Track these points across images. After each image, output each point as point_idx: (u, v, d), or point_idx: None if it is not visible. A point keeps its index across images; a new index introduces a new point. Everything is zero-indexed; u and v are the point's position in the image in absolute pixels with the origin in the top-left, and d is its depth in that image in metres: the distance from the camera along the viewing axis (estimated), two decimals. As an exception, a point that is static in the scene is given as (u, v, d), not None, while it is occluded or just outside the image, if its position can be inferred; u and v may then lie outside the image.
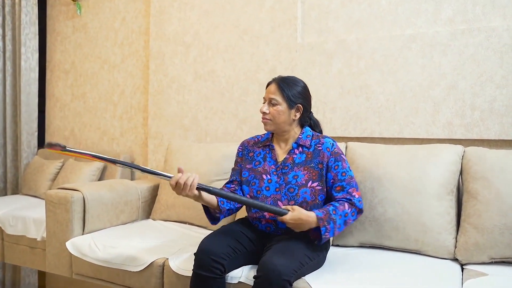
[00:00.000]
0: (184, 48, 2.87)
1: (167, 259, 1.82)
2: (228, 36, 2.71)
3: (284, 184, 1.71)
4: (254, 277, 1.51)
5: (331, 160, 1.71)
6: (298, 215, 1.56)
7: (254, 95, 2.63)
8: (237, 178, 1.84)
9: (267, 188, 1.73)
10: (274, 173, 1.75)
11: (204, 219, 2.25)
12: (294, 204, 1.68)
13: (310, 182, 1.69)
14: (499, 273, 1.62)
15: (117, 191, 2.32)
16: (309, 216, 1.57)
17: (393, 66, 2.26)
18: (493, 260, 1.72)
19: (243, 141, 1.93)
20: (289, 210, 1.57)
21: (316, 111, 2.43)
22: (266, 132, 1.88)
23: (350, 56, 2.36)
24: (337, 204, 1.64)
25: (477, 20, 2.11)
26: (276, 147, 1.82)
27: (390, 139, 2.28)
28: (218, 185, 2.30)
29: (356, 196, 1.67)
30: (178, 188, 1.61)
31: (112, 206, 2.27)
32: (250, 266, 1.70)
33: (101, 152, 3.10)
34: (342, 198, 1.68)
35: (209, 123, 2.79)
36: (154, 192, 2.59)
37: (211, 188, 1.62)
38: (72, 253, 2.02)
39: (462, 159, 1.91)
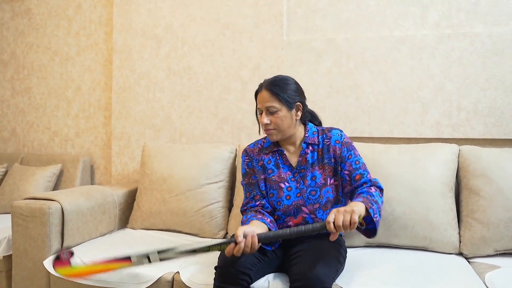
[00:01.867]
0: (155, 42, 2.65)
1: (176, 273, 1.65)
2: (207, 30, 2.56)
3: (305, 188, 1.63)
4: (292, 287, 1.42)
5: (344, 151, 1.65)
6: (337, 210, 1.39)
7: (236, 93, 2.51)
8: (258, 192, 1.69)
9: (288, 197, 1.63)
10: (292, 179, 1.66)
11: (196, 226, 2.11)
12: (319, 206, 1.62)
13: (329, 179, 1.64)
14: (510, 264, 1.70)
15: (95, 199, 2.06)
16: (351, 206, 1.42)
17: (383, 66, 2.29)
18: (497, 252, 1.81)
19: (246, 150, 1.77)
20: (324, 220, 1.47)
21: (304, 111, 2.39)
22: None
23: (339, 55, 2.36)
24: (365, 189, 1.58)
25: (461, 26, 2.22)
26: (285, 151, 1.72)
27: (380, 138, 2.32)
28: (211, 188, 2.17)
29: (371, 178, 1.63)
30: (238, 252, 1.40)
31: (91, 216, 2.01)
32: (273, 274, 1.60)
33: (52, 154, 2.77)
34: (364, 184, 1.62)
35: (185, 123, 2.61)
36: (130, 198, 2.35)
37: (271, 235, 1.44)
38: (52, 273, 1.74)
39: (458, 157, 1.99)
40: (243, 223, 1.61)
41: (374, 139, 2.31)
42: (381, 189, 1.63)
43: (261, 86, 1.65)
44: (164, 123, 2.64)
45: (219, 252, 1.78)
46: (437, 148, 2.00)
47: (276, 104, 1.59)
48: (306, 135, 1.70)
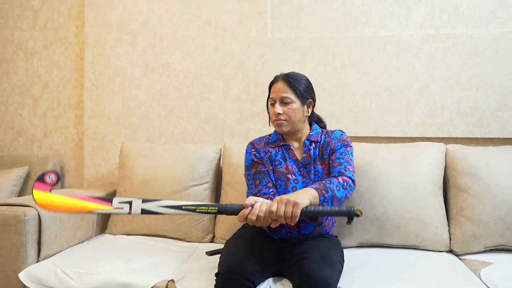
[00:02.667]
0: (131, 37, 2.51)
1: (170, 281, 1.54)
2: (187, 26, 2.46)
3: (310, 182, 1.63)
4: None
5: (338, 145, 1.67)
6: (280, 198, 1.33)
7: (219, 91, 2.43)
8: (270, 180, 1.63)
9: (294, 189, 1.62)
10: (298, 173, 1.66)
11: (182, 231, 2.02)
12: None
13: (327, 175, 1.65)
14: (500, 260, 1.74)
15: (72, 203, 1.91)
16: (298, 193, 1.37)
17: (369, 66, 2.29)
18: (487, 249, 1.85)
19: (252, 143, 1.75)
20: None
21: (289, 110, 2.35)
22: (273, 132, 1.76)
23: (325, 54, 2.33)
24: (331, 177, 1.54)
25: (444, 27, 2.26)
26: (291, 146, 1.71)
27: (366, 138, 2.31)
28: (197, 190, 2.08)
29: (350, 169, 1.59)
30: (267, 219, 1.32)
31: (69, 223, 1.86)
32: (272, 278, 1.54)
33: (16, 156, 2.57)
34: (333, 175, 1.58)
35: (163, 122, 2.49)
36: (108, 202, 2.21)
37: (320, 209, 1.33)
38: (29, 287, 1.59)
39: (445, 156, 2.02)
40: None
41: (361, 138, 2.31)
42: (352, 180, 1.56)
43: (277, 78, 1.68)
44: (142, 122, 2.51)
45: (216, 258, 1.71)
46: (425, 147, 2.02)
47: (291, 96, 1.62)
48: (311, 133, 1.72)
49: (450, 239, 1.89)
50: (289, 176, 1.63)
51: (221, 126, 2.43)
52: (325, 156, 1.67)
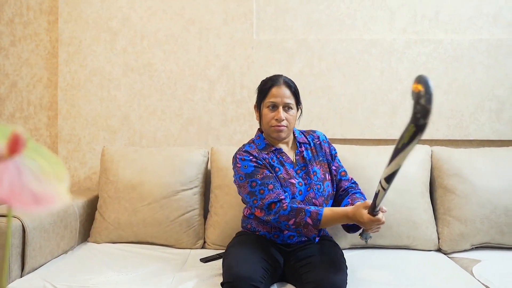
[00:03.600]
0: (109, 35, 2.40)
1: (170, 292, 1.48)
2: (170, 25, 2.38)
3: (313, 182, 1.63)
4: None
5: (332, 149, 1.75)
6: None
7: (203, 93, 2.37)
8: (280, 183, 1.59)
9: (300, 192, 1.60)
10: (297, 175, 1.64)
11: (172, 237, 1.96)
12: (324, 199, 1.63)
13: (327, 175, 1.68)
14: (488, 257, 1.81)
15: (56, 212, 1.80)
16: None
17: (355, 68, 2.32)
18: (473, 247, 1.92)
19: (246, 151, 1.65)
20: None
21: (275, 112, 2.34)
22: (254, 138, 1.73)
23: (311, 56, 2.34)
24: (358, 191, 1.69)
25: (425, 32, 2.33)
26: (283, 149, 1.70)
27: (351, 140, 2.34)
28: (186, 195, 2.02)
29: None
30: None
31: (53, 232, 1.75)
32: (276, 284, 1.52)
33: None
34: (351, 182, 1.73)
35: (145, 124, 2.40)
36: (90, 208, 2.11)
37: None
38: (15, 302, 1.48)
39: (431, 157, 2.08)
40: (305, 209, 1.46)
41: (347, 140, 2.33)
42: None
43: (277, 81, 1.64)
44: (121, 124, 2.40)
45: (213, 265, 1.67)
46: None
47: (292, 102, 1.63)
48: (295, 135, 1.73)
49: (439, 238, 1.95)
50: (292, 180, 1.61)
51: (206, 128, 2.38)
52: (321, 158, 1.70)
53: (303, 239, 1.62)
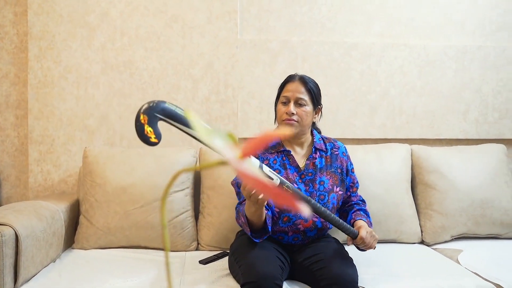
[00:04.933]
0: (86, 30, 2.28)
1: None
2: (152, 21, 2.31)
3: (315, 192, 1.62)
4: None
5: (349, 164, 1.75)
6: (371, 231, 1.53)
7: (187, 92, 2.33)
8: None
9: None
10: (300, 181, 1.63)
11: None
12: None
13: (335, 187, 1.67)
14: (468, 247, 1.97)
15: (45, 218, 1.68)
16: (369, 228, 1.56)
17: (336, 70, 2.40)
18: (453, 238, 2.07)
19: None
20: (357, 231, 1.51)
21: (260, 111, 2.37)
22: None
23: (295, 57, 2.38)
24: (364, 208, 1.72)
25: (401, 37, 2.46)
26: (292, 152, 1.68)
27: (333, 139, 2.41)
28: (178, 197, 1.98)
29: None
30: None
31: (43, 240, 1.63)
32: (286, 282, 1.54)
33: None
34: (359, 199, 1.76)
35: (125, 124, 2.31)
36: (74, 213, 2.00)
37: (311, 201, 1.43)
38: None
39: (411, 155, 2.21)
40: (240, 212, 1.53)
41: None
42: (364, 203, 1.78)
43: (293, 77, 1.66)
44: (100, 124, 2.30)
45: (215, 266, 1.66)
46: (395, 148, 2.19)
47: (306, 98, 1.62)
48: (314, 140, 1.71)
49: (422, 231, 2.08)
50: None
51: (190, 128, 2.34)
52: (333, 169, 1.68)
53: (306, 241, 1.65)
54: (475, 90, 2.48)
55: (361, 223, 1.56)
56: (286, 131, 0.44)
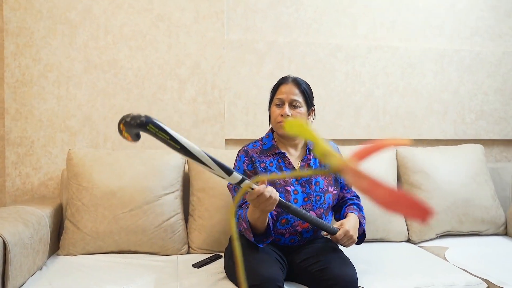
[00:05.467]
0: (68, 27, 2.19)
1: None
2: (137, 20, 2.25)
3: (312, 193, 1.62)
4: None
5: None
6: (347, 229, 1.53)
7: (173, 92, 2.29)
8: None
9: (295, 200, 1.60)
10: (296, 182, 1.63)
11: (157, 244, 1.87)
12: (323, 211, 1.63)
13: (330, 187, 1.68)
14: (452, 244, 2.04)
15: (32, 224, 1.60)
16: (356, 224, 1.59)
17: (322, 71, 2.42)
18: (437, 235, 2.14)
19: (246, 151, 1.67)
20: (338, 228, 1.53)
21: (247, 112, 2.36)
22: (264, 136, 1.73)
23: (281, 58, 2.38)
24: (356, 202, 1.74)
25: (384, 39, 2.51)
26: (287, 154, 1.69)
27: (320, 140, 2.43)
28: (168, 199, 1.95)
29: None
30: (260, 199, 1.29)
31: (31, 248, 1.56)
32: (285, 283, 1.54)
33: None
34: (353, 195, 1.79)
35: (110, 125, 2.24)
36: (57, 218, 1.92)
37: (292, 206, 1.39)
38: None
39: (396, 156, 2.26)
40: (241, 217, 1.51)
41: (315, 140, 2.42)
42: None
43: (286, 79, 1.66)
44: (82, 125, 2.22)
45: (211, 268, 1.64)
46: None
47: (300, 100, 1.63)
48: (307, 141, 1.69)
49: (408, 230, 2.13)
50: (288, 188, 1.60)
51: (176, 129, 2.29)
52: (328, 169, 1.70)
53: (302, 242, 1.65)
54: (453, 92, 2.57)
55: (346, 219, 1.58)
56: (403, 141, 0.44)
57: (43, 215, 1.76)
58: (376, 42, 2.50)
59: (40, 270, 1.66)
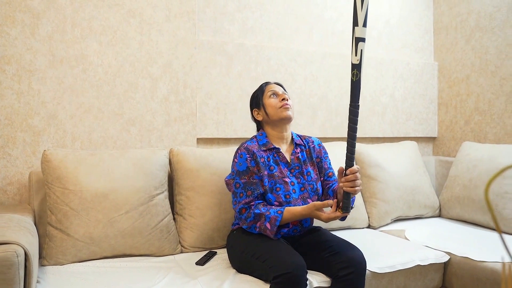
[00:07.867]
0: (29, 17, 2.00)
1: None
2: (107, 14, 2.14)
3: (306, 183, 1.78)
4: (343, 275, 1.55)
5: (323, 153, 1.93)
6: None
7: (145, 91, 2.23)
8: (261, 191, 1.70)
9: (294, 191, 1.74)
10: (291, 175, 1.78)
11: (154, 245, 1.87)
12: (318, 198, 1.81)
13: (317, 175, 1.85)
14: (406, 227, 2.35)
15: (35, 233, 1.46)
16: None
17: (284, 74, 2.58)
18: (392, 220, 2.45)
19: (246, 147, 1.75)
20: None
21: (217, 112, 2.42)
22: (257, 134, 1.84)
23: (249, 60, 2.48)
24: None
25: (335, 47, 2.77)
26: (281, 149, 1.82)
27: (283, 138, 2.59)
28: (161, 199, 1.94)
29: None
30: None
31: (34, 257, 1.42)
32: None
33: None
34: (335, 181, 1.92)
35: (78, 124, 2.10)
36: (37, 226, 1.75)
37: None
38: None
39: (353, 152, 2.52)
40: (265, 215, 1.61)
41: (279, 139, 2.57)
42: None
43: (268, 82, 1.90)
44: (47, 124, 2.04)
45: (213, 263, 1.70)
46: (339, 146, 2.47)
47: (287, 96, 1.83)
48: (293, 137, 1.88)
49: (369, 217, 2.40)
50: (286, 179, 1.74)
51: (148, 128, 2.24)
52: (314, 160, 1.86)
53: (302, 232, 1.79)
54: (389, 96, 2.95)
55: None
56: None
57: (32, 224, 1.60)
58: (329, 49, 2.74)
59: (38, 283, 1.51)
